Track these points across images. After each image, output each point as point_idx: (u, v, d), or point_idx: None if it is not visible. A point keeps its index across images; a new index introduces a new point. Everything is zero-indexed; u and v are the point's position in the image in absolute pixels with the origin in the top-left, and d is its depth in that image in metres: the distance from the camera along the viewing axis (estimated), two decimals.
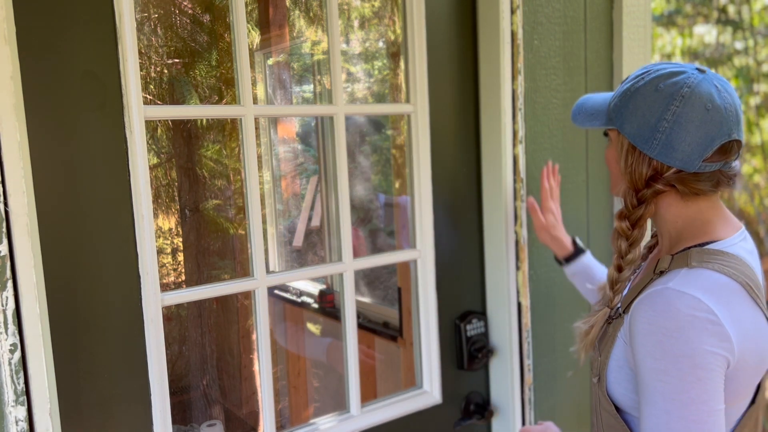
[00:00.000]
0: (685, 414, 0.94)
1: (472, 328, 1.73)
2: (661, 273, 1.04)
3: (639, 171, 1.07)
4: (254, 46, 2.27)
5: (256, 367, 2.22)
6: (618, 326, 1.09)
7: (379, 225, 2.27)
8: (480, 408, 1.76)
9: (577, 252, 1.59)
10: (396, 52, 1.90)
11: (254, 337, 1.44)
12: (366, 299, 2.32)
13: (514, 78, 1.67)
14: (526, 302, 1.73)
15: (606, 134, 1.17)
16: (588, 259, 1.60)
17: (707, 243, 1.06)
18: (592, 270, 1.59)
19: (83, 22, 1.17)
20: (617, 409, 1.10)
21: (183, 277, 2.26)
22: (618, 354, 1.07)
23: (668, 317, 0.96)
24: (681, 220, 1.09)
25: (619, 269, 1.12)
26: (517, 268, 1.71)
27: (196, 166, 2.17)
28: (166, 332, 1.30)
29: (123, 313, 1.25)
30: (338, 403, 1.81)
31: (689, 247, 1.06)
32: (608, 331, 1.11)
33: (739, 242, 1.08)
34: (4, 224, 1.05)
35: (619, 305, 1.11)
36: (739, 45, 5.87)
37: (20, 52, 1.11)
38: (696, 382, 0.94)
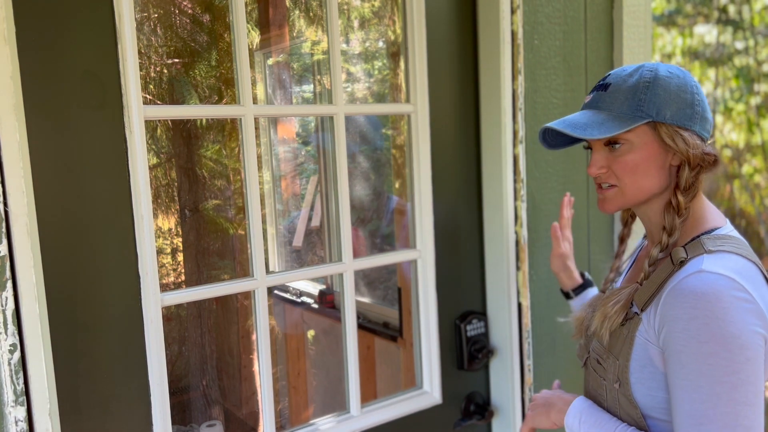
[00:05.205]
0: (735, 396, 0.94)
1: (472, 329, 1.73)
2: (681, 263, 1.04)
3: (695, 144, 1.07)
4: (254, 46, 2.27)
5: (255, 368, 2.22)
6: (635, 326, 1.07)
7: (387, 228, 2.26)
8: (480, 408, 1.76)
9: (586, 284, 1.54)
10: (396, 52, 1.90)
11: (254, 337, 1.44)
12: (366, 299, 2.32)
13: (514, 78, 1.67)
14: (526, 302, 1.73)
15: (612, 143, 1.09)
16: (596, 292, 1.53)
17: (711, 231, 1.08)
18: None
19: (83, 22, 1.17)
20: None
21: (183, 278, 2.26)
22: (639, 354, 1.06)
23: (711, 299, 0.96)
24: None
25: (664, 247, 1.10)
26: (517, 268, 1.71)
27: (196, 166, 2.17)
28: (166, 332, 1.30)
29: (123, 314, 1.25)
30: (338, 404, 1.81)
31: (696, 236, 1.08)
32: (622, 333, 1.09)
33: (733, 228, 1.11)
34: (4, 224, 1.05)
35: (633, 305, 1.10)
36: (739, 45, 5.87)
37: (20, 52, 1.11)
38: (745, 363, 0.94)
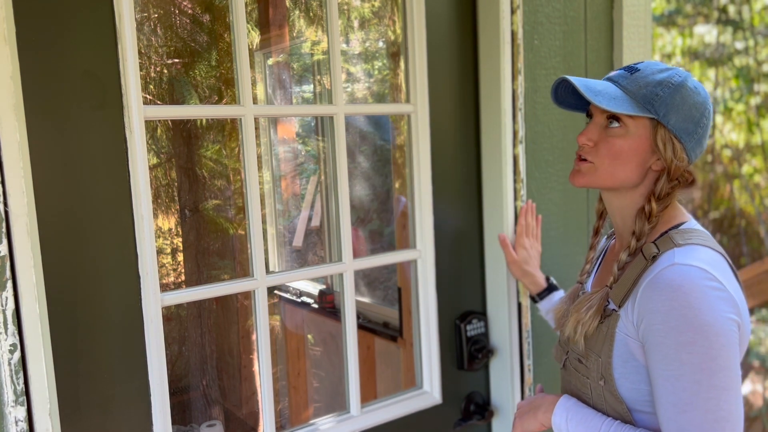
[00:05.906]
0: (715, 382, 0.97)
1: (472, 328, 1.73)
2: (653, 258, 1.07)
3: (681, 157, 1.11)
4: (254, 46, 2.27)
5: (255, 368, 2.22)
6: (613, 323, 1.10)
7: (389, 228, 2.26)
8: (480, 408, 1.76)
9: (551, 288, 1.59)
10: (396, 52, 1.90)
11: (254, 337, 1.44)
12: (366, 299, 2.32)
13: (514, 78, 1.67)
14: (526, 302, 1.73)
15: (611, 121, 1.12)
16: (561, 296, 1.57)
17: (677, 226, 1.12)
18: None
19: (83, 22, 1.17)
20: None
21: (183, 278, 2.26)
22: (620, 350, 1.09)
23: (687, 290, 0.99)
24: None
25: (633, 253, 1.13)
26: None
27: (196, 166, 2.17)
28: (166, 332, 1.30)
29: (123, 313, 1.25)
30: (338, 404, 1.81)
31: (665, 232, 1.12)
32: (602, 330, 1.12)
33: (697, 223, 1.15)
34: (4, 224, 1.05)
35: (610, 303, 1.12)
36: (739, 45, 5.87)
37: (20, 51, 1.11)
38: (721, 349, 0.98)
